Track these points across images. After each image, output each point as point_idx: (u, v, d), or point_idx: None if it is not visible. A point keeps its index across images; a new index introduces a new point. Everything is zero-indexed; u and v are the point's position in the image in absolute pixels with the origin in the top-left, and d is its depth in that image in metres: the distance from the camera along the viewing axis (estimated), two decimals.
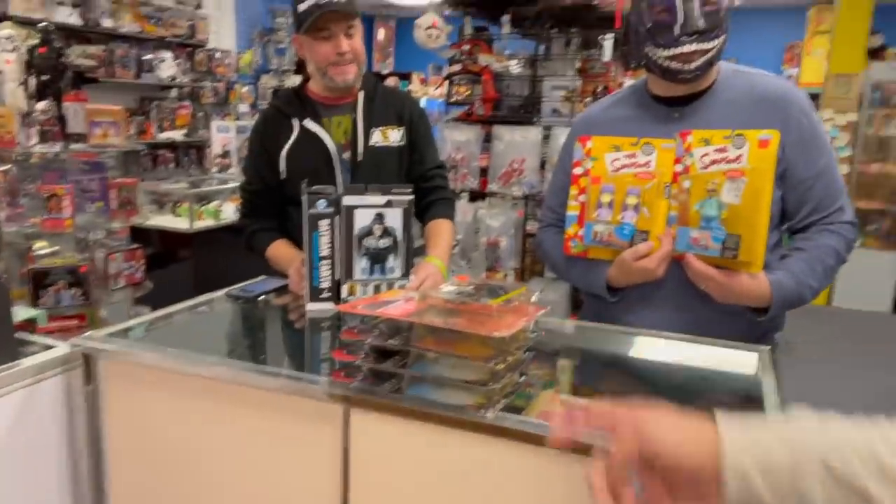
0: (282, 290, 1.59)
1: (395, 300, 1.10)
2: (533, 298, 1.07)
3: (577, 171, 1.38)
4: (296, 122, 1.68)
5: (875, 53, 6.40)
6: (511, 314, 1.00)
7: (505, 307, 1.01)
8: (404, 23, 9.65)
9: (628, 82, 2.90)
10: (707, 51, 1.25)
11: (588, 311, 1.58)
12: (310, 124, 1.67)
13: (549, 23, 2.55)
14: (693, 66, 1.26)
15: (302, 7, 1.58)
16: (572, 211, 1.39)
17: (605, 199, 1.32)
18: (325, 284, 1.43)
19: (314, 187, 1.41)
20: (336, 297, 1.43)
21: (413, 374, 0.98)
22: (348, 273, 1.41)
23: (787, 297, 1.28)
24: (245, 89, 6.40)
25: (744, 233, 1.20)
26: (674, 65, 1.27)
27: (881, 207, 5.60)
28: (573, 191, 1.39)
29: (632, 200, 1.30)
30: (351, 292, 1.42)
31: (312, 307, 1.43)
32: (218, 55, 6.06)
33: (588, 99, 2.45)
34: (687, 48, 1.24)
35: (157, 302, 1.88)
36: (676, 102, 1.35)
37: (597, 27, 2.49)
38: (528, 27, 2.56)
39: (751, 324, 1.35)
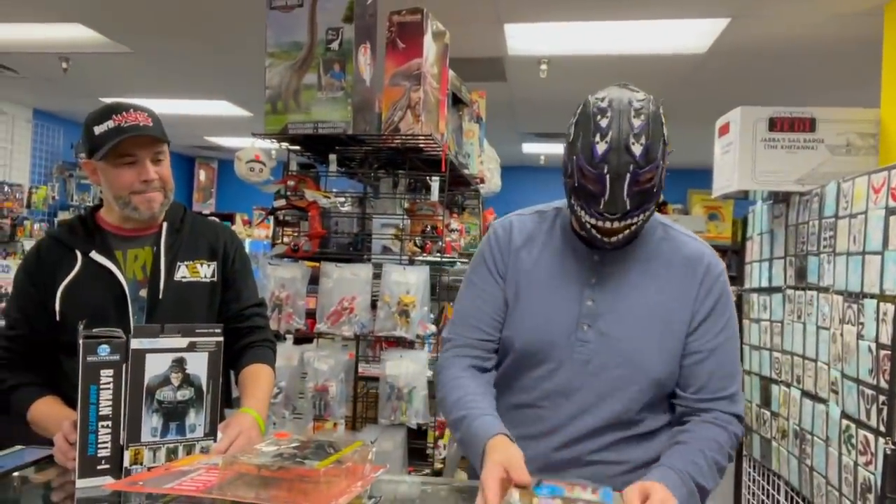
0: (45, 462, 1.25)
1: (192, 469, 0.86)
2: (371, 455, 0.89)
3: None
4: (79, 255, 1.42)
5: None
6: (342, 479, 0.81)
7: (335, 470, 0.83)
8: (227, 164, 9.53)
9: (455, 225, 2.96)
10: (631, 225, 1.17)
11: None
12: (97, 257, 1.42)
13: (375, 164, 2.55)
14: (613, 239, 1.18)
15: (99, 130, 1.39)
16: None
17: None
18: (104, 453, 1.13)
19: (96, 329, 1.14)
20: (118, 467, 1.13)
21: None
22: (133, 435, 1.12)
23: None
24: (38, 226, 5.74)
25: None
26: (594, 232, 1.19)
27: None
28: None
29: None
30: (136, 460, 1.12)
31: (85, 483, 1.11)
32: (6, 189, 5.43)
33: (417, 237, 2.43)
34: (609, 224, 1.16)
35: None
36: (599, 244, 1.23)
37: (423, 170, 2.53)
38: (354, 167, 2.54)
39: None
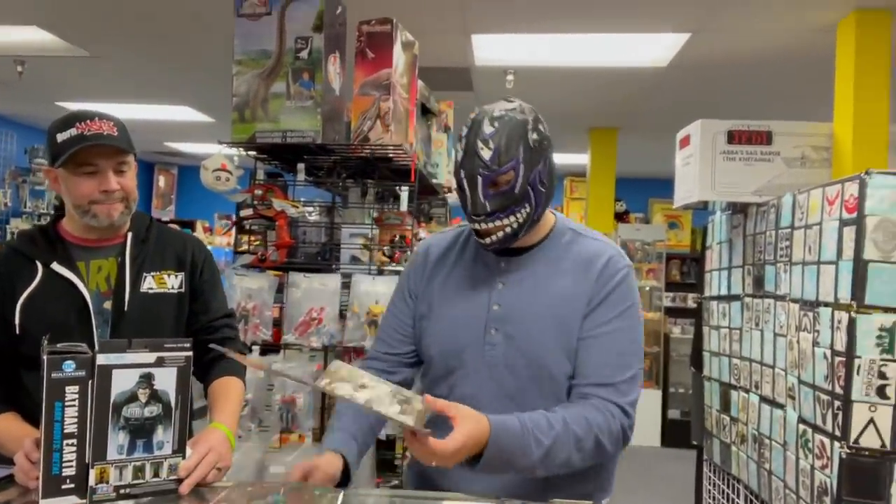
0: (6, 481, 1.21)
1: None
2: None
3: None
4: (39, 266, 1.38)
5: (620, 217, 7.58)
6: None
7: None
8: (187, 170, 9.37)
9: (423, 234, 2.97)
10: (504, 226, 1.22)
11: (409, 472, 1.41)
12: (58, 268, 1.38)
13: (344, 173, 2.54)
14: (489, 240, 1.25)
15: (62, 137, 1.35)
16: None
17: None
18: (69, 472, 1.10)
19: (60, 345, 1.11)
20: (83, 487, 1.10)
21: None
22: (99, 453, 1.10)
23: (504, 441, 1.09)
24: None
25: None
26: (475, 236, 1.27)
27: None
28: None
29: None
30: (102, 479, 1.10)
31: None
32: None
33: (386, 247, 2.43)
34: (479, 226, 1.23)
35: None
36: (506, 252, 1.30)
37: (392, 179, 2.53)
38: (323, 177, 2.52)
39: (585, 482, 1.26)
